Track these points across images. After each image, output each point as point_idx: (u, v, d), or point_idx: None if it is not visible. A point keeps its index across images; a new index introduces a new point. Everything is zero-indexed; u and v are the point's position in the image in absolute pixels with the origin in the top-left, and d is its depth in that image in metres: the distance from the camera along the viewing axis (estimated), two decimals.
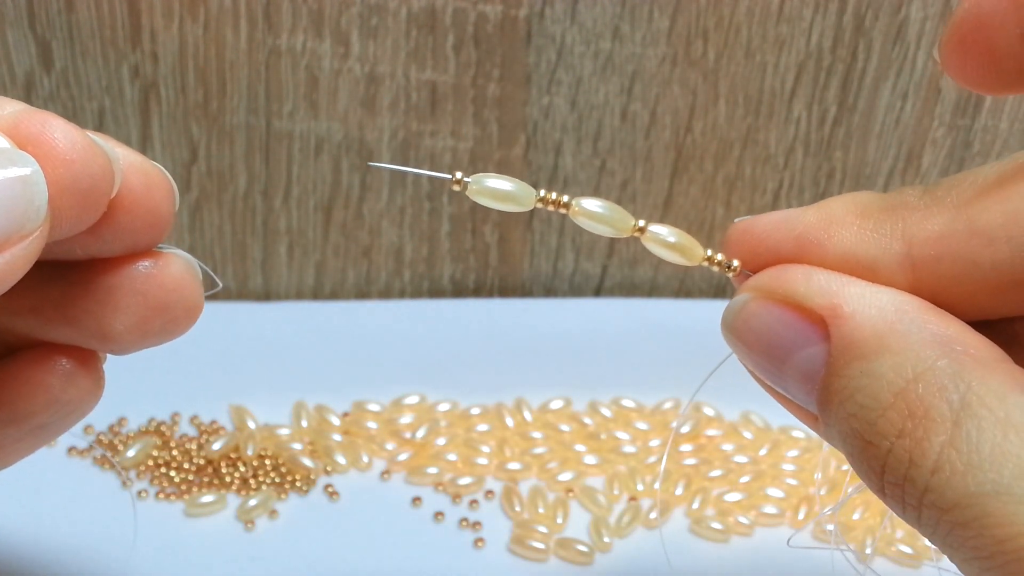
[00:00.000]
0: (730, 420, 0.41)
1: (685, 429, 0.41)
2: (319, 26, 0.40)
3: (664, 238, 0.23)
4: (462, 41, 0.40)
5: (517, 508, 0.38)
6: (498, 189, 0.23)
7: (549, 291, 0.47)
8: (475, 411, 0.41)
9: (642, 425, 0.41)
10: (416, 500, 0.38)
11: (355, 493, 0.39)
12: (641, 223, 0.23)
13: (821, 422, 0.21)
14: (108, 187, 0.21)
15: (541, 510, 0.38)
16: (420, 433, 0.40)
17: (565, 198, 0.23)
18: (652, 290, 0.47)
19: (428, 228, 0.45)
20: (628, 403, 0.42)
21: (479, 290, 0.47)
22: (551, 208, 0.23)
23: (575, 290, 0.47)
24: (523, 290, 0.47)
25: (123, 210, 0.22)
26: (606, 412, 0.41)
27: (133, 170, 0.22)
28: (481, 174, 0.23)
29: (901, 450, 0.19)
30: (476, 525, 0.37)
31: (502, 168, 0.43)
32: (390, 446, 0.40)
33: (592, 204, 0.23)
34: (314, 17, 0.40)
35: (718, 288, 0.47)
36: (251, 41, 0.40)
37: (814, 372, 0.21)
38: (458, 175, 0.23)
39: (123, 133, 0.42)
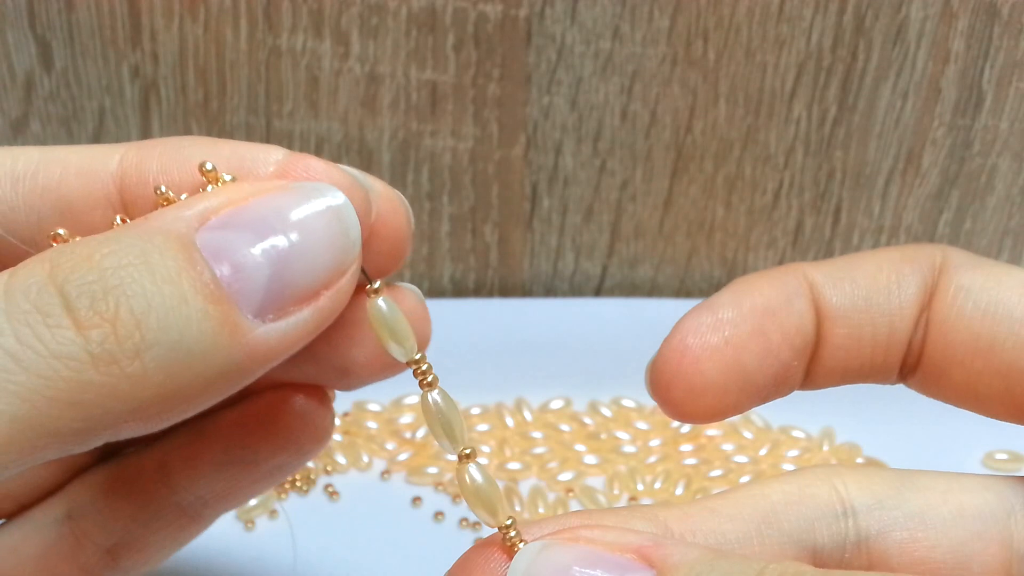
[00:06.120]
0: (730, 420, 0.41)
1: (685, 429, 0.41)
2: (319, 26, 0.40)
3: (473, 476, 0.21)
4: (462, 41, 0.40)
5: (517, 508, 0.38)
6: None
7: (549, 291, 0.47)
8: (475, 411, 0.41)
9: (642, 425, 0.41)
10: (416, 500, 0.38)
11: (355, 493, 0.39)
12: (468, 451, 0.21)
13: None
14: (368, 220, 0.21)
15: (541, 510, 0.38)
16: (420, 433, 0.40)
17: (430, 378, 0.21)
18: (652, 290, 0.47)
19: (428, 228, 0.45)
20: (628, 403, 0.42)
21: (479, 290, 0.47)
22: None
23: (575, 290, 0.47)
24: (523, 290, 0.47)
25: (373, 237, 0.22)
26: (606, 412, 0.41)
27: (382, 199, 0.22)
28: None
29: None
30: (476, 525, 0.37)
31: (502, 168, 0.43)
32: (390, 446, 0.40)
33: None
34: (314, 17, 0.40)
35: (718, 288, 0.47)
36: (251, 41, 0.40)
37: None
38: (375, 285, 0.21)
39: (123, 133, 0.42)
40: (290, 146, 0.42)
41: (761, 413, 0.41)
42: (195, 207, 0.19)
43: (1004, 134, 0.43)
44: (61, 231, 0.20)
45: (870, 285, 0.22)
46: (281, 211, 0.19)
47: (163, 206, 0.20)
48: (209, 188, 0.20)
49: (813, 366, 0.22)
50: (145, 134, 0.42)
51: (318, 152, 0.43)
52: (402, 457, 0.39)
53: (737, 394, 0.22)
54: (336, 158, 0.43)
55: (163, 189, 0.20)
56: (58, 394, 0.17)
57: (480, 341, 0.43)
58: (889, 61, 0.41)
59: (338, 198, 0.20)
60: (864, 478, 0.21)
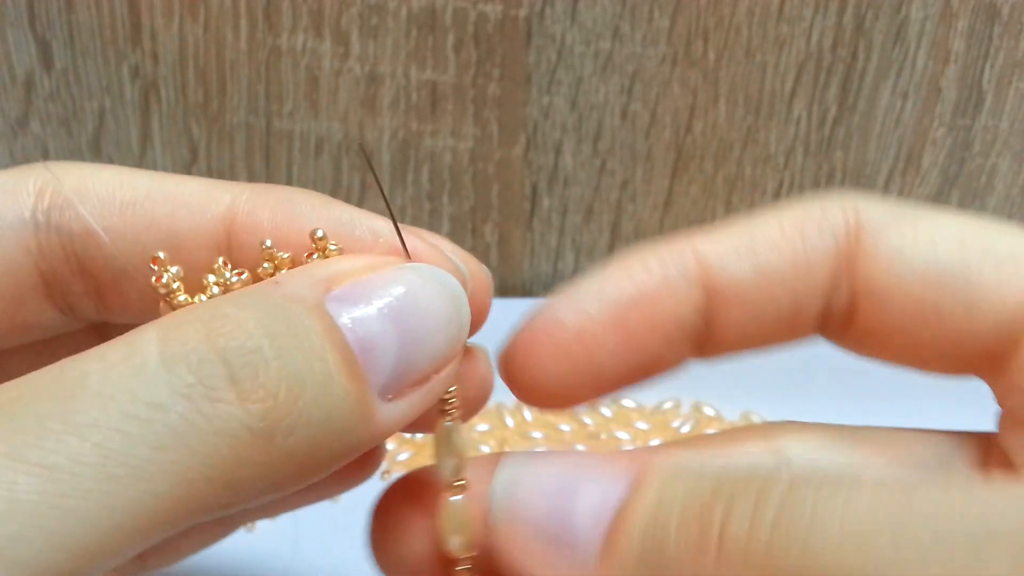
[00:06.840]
0: (730, 420, 0.41)
1: (685, 429, 0.40)
2: (319, 26, 0.40)
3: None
4: (462, 41, 0.40)
5: None
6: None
7: (549, 291, 0.47)
8: None
9: (642, 425, 0.41)
10: None
11: (355, 493, 0.38)
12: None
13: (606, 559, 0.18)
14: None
15: None
16: (419, 433, 0.40)
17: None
18: None
19: (428, 228, 0.45)
20: (628, 403, 0.42)
21: None
22: None
23: None
24: (523, 290, 0.47)
25: None
26: (606, 412, 0.41)
27: (473, 279, 0.22)
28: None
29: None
30: None
31: (502, 168, 0.43)
32: (390, 446, 0.40)
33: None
34: (314, 17, 0.40)
35: None
36: (251, 41, 0.40)
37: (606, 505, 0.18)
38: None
39: (123, 133, 0.42)
40: (290, 146, 0.42)
41: (760, 412, 0.41)
42: (317, 275, 0.19)
43: (1004, 134, 0.43)
44: (161, 254, 0.19)
45: (770, 255, 0.20)
46: (404, 291, 0.19)
47: (266, 260, 0.20)
48: (315, 256, 0.20)
49: (706, 344, 0.21)
50: (145, 134, 0.42)
51: (318, 153, 0.43)
52: (402, 457, 0.39)
53: (588, 386, 0.21)
54: (336, 158, 0.43)
55: (268, 244, 0.20)
56: (215, 474, 0.16)
57: (480, 341, 0.43)
58: (889, 61, 0.41)
59: (453, 281, 0.19)
60: (803, 433, 0.21)
